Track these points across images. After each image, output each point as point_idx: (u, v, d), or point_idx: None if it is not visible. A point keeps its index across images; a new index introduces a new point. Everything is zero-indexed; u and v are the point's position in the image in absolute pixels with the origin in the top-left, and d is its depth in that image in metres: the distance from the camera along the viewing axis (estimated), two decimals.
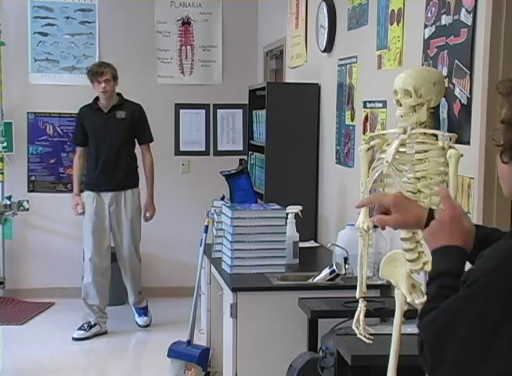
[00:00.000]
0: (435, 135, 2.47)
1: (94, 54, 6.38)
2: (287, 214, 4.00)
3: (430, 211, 1.76)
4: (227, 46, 6.63)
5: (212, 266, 4.21)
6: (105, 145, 5.32)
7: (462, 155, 2.38)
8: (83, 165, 5.54)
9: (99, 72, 5.26)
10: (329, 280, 3.58)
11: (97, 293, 5.38)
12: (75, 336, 5.30)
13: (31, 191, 6.45)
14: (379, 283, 3.39)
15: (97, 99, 5.39)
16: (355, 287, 2.66)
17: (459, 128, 2.82)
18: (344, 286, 3.48)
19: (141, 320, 5.61)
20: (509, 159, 1.42)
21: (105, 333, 5.43)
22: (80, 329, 5.33)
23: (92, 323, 5.36)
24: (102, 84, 5.25)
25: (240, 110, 6.56)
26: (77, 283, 5.69)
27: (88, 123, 5.39)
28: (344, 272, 3.57)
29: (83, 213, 5.36)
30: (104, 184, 5.34)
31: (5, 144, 6.26)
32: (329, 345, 2.95)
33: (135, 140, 5.47)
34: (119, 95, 5.43)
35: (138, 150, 5.55)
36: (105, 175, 5.32)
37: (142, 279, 6.40)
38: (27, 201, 6.24)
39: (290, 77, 5.54)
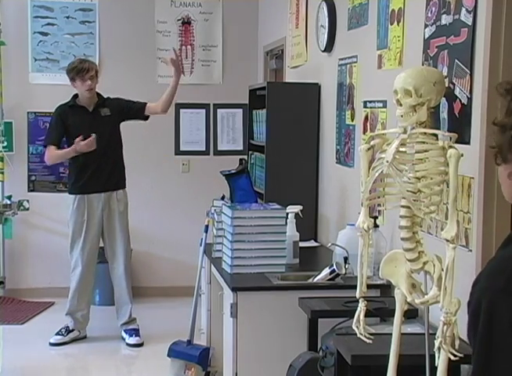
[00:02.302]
0: (435, 135, 2.47)
1: (94, 54, 6.38)
2: (287, 213, 4.00)
3: None
4: (227, 46, 6.63)
5: (212, 266, 4.21)
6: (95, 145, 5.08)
7: (462, 155, 2.38)
8: None
9: (85, 68, 5.06)
10: (329, 279, 3.58)
11: (81, 304, 5.23)
12: (52, 341, 5.16)
13: (31, 191, 6.44)
14: (379, 282, 3.39)
15: (75, 97, 5.19)
16: (355, 287, 2.66)
17: (460, 127, 2.82)
18: (345, 285, 3.48)
19: (132, 340, 5.22)
20: (501, 161, 1.42)
21: (84, 338, 5.30)
22: (57, 334, 5.21)
23: (71, 328, 5.23)
24: (88, 82, 5.05)
25: (240, 110, 6.56)
26: None
27: (73, 123, 5.15)
28: (344, 271, 3.57)
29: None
30: (96, 186, 5.13)
31: (5, 144, 6.27)
32: (329, 345, 2.95)
33: (121, 137, 5.24)
34: (97, 94, 5.23)
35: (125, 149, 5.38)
36: (97, 176, 5.11)
37: (143, 279, 6.41)
38: (27, 201, 6.25)
39: (290, 76, 5.54)
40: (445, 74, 2.93)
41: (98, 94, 5.25)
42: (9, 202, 6.18)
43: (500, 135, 1.40)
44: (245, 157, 5.42)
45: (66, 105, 5.23)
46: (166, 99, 5.25)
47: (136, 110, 5.27)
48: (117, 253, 5.26)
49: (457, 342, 2.31)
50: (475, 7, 2.76)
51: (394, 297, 2.61)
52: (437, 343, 2.32)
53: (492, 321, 1.28)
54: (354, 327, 2.63)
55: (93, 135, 5.02)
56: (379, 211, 3.53)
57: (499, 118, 1.41)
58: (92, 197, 5.17)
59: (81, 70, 5.07)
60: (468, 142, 2.78)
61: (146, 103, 5.29)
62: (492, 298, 1.29)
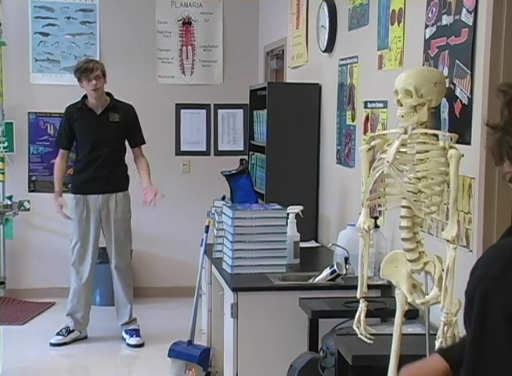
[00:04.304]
0: (436, 135, 2.47)
1: (95, 54, 6.38)
2: (288, 214, 4.00)
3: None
4: (228, 46, 6.63)
5: (213, 266, 4.21)
6: (99, 149, 5.10)
7: (463, 155, 2.38)
8: (65, 168, 5.34)
9: (89, 68, 5.05)
10: (329, 280, 3.58)
11: (81, 304, 5.23)
12: (53, 341, 5.16)
13: (32, 191, 6.44)
14: (380, 283, 3.39)
15: (85, 98, 5.19)
16: (355, 287, 2.66)
17: (460, 128, 2.82)
18: (345, 286, 3.48)
19: (133, 340, 5.22)
20: (497, 162, 1.41)
21: (85, 338, 5.30)
22: (58, 334, 5.20)
23: (71, 328, 5.23)
24: (93, 82, 5.04)
25: (241, 110, 6.56)
26: None
27: (79, 125, 5.17)
28: (344, 272, 3.57)
29: (67, 216, 5.17)
30: (95, 187, 5.14)
31: (5, 144, 6.27)
32: (329, 345, 2.96)
33: (125, 143, 5.25)
34: (109, 94, 5.23)
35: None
36: (97, 178, 5.11)
37: (143, 279, 6.41)
38: (28, 201, 6.25)
39: (290, 77, 5.54)
40: (445, 74, 2.93)
41: (109, 95, 5.23)
42: (9, 202, 6.19)
43: (491, 136, 1.40)
44: (245, 157, 5.42)
45: (74, 106, 5.23)
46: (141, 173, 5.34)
47: (130, 139, 5.27)
48: (113, 254, 5.27)
49: None
50: (476, 7, 2.76)
51: (394, 297, 2.61)
52: (437, 343, 2.32)
53: (486, 308, 1.28)
54: (354, 327, 2.63)
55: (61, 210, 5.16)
56: (379, 212, 3.53)
57: (489, 120, 1.41)
58: (90, 197, 5.18)
59: (85, 70, 5.07)
60: (469, 143, 2.78)
61: (139, 146, 5.29)
62: (487, 285, 1.29)
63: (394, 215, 2.90)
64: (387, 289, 3.42)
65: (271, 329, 3.52)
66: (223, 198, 4.53)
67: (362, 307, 2.62)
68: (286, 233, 3.91)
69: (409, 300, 2.53)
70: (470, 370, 1.32)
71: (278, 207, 3.96)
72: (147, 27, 6.49)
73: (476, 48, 2.77)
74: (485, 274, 1.32)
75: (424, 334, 2.58)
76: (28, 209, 6.24)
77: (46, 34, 6.40)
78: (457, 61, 2.89)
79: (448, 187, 2.39)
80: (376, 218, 3.40)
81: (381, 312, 3.09)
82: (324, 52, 4.63)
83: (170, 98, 6.54)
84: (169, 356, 4.39)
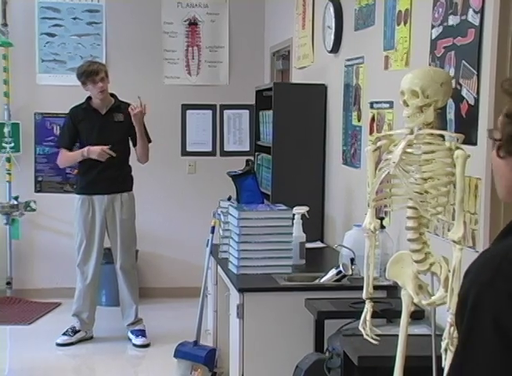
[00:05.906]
0: (442, 136, 2.47)
1: (101, 55, 6.39)
2: (294, 214, 4.00)
3: None
4: (234, 47, 6.63)
5: (219, 267, 4.21)
6: None
7: (469, 156, 2.37)
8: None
9: (94, 71, 5.05)
10: (335, 280, 3.58)
11: (86, 305, 5.25)
12: (59, 341, 5.17)
13: (38, 191, 6.46)
14: (386, 283, 3.38)
15: (89, 99, 5.20)
16: (361, 288, 2.65)
17: (466, 128, 2.81)
18: (351, 287, 3.47)
19: (138, 340, 5.24)
20: (505, 154, 1.39)
21: (91, 338, 5.31)
22: (64, 334, 5.21)
23: (77, 328, 5.24)
24: (99, 84, 5.05)
25: (247, 111, 6.56)
26: None
27: (84, 125, 5.18)
28: (350, 272, 3.57)
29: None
30: (100, 188, 5.14)
31: (12, 144, 6.28)
32: (335, 346, 2.95)
33: (129, 144, 5.25)
34: (113, 95, 5.24)
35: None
36: (102, 179, 5.11)
37: (149, 279, 6.42)
38: (34, 202, 6.26)
39: (296, 77, 5.54)
40: (452, 74, 2.92)
41: (113, 96, 5.25)
42: (16, 203, 6.20)
43: (508, 125, 1.37)
44: (251, 157, 5.42)
45: (79, 107, 5.24)
46: (139, 153, 5.25)
47: (133, 138, 5.23)
48: (119, 255, 5.27)
49: None
50: (482, 7, 2.75)
51: (400, 298, 2.61)
52: (443, 344, 2.31)
53: (475, 316, 1.27)
54: (360, 328, 2.63)
55: (106, 147, 5.03)
56: (385, 212, 3.52)
57: (506, 109, 1.38)
58: (95, 198, 5.19)
59: (90, 73, 5.07)
60: (475, 143, 2.77)
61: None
62: (478, 292, 1.28)
63: (401, 215, 2.90)
64: (393, 290, 3.41)
65: (277, 330, 3.51)
66: (229, 199, 4.53)
67: (367, 308, 2.62)
68: (292, 233, 3.91)
69: (415, 301, 2.52)
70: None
71: (284, 207, 3.96)
72: (153, 28, 6.50)
73: (482, 48, 2.76)
74: (475, 280, 1.31)
75: (430, 335, 2.57)
76: (34, 209, 6.26)
77: (53, 35, 6.42)
78: (463, 61, 2.88)
79: (455, 188, 2.38)
80: (382, 218, 3.39)
81: (387, 312, 3.08)
82: (330, 52, 4.63)
83: (176, 98, 6.54)
84: (175, 356, 4.39)
